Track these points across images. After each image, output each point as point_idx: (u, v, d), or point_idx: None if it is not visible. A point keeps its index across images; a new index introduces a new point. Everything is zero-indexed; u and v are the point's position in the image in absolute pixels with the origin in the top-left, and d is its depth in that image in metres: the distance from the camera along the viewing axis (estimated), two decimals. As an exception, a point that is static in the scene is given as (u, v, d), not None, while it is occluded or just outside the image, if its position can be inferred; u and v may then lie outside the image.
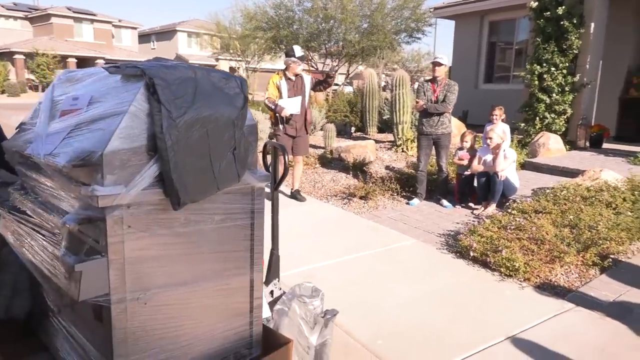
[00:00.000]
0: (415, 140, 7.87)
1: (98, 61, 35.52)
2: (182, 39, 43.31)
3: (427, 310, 3.08)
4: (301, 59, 5.57)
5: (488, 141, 5.05)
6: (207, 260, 1.85)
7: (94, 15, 38.52)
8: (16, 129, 2.13)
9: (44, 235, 1.69)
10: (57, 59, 31.10)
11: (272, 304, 2.57)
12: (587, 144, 7.96)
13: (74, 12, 37.23)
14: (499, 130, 5.10)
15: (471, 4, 11.53)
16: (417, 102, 5.40)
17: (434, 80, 5.43)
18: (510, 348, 2.63)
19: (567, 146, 7.69)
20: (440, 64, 5.32)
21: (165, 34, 44.03)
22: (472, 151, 5.52)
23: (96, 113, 1.65)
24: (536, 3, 8.01)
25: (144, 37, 44.89)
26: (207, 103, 1.68)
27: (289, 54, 5.54)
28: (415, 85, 6.30)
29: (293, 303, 2.53)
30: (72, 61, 33.96)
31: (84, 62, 34.97)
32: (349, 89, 17.40)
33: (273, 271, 2.73)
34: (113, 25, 39.91)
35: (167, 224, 1.68)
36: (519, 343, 2.67)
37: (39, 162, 1.69)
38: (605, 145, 8.04)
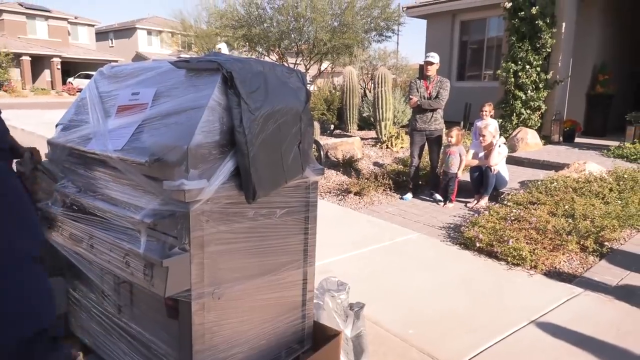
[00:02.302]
0: (399, 137, 8.06)
1: (54, 59, 34.09)
2: (142, 36, 42.15)
3: (447, 299, 3.17)
4: None
5: (481, 138, 5.22)
6: (270, 254, 1.86)
7: (49, 11, 36.87)
8: (57, 126, 2.07)
9: (112, 233, 1.66)
10: (10, 56, 29.56)
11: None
12: (561, 138, 8.35)
13: (26, 8, 35.49)
14: (492, 128, 5.30)
15: (442, 3, 11.82)
16: (410, 99, 5.53)
17: (426, 78, 5.58)
18: (536, 331, 2.76)
19: (543, 140, 8.05)
20: (432, 63, 5.48)
21: (124, 31, 42.72)
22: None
23: (168, 107, 1.63)
24: (510, 3, 8.31)
25: (101, 35, 43.39)
26: (277, 97, 1.69)
27: None
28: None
29: (325, 297, 2.56)
30: (26, 59, 32.41)
31: (38, 60, 33.47)
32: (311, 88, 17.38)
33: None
34: (69, 22, 38.34)
35: (239, 218, 1.68)
36: (542, 326, 2.80)
37: (106, 158, 1.65)
38: (577, 140, 8.46)
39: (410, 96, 5.56)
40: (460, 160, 5.44)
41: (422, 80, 5.61)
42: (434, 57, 5.51)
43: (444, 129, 5.81)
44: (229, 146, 1.58)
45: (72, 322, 2.19)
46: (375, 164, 7.24)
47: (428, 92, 5.50)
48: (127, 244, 1.57)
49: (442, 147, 5.80)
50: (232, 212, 1.65)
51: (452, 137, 5.58)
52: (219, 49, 5.30)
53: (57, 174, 1.98)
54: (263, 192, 1.66)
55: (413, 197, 5.78)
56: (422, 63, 5.64)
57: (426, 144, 5.68)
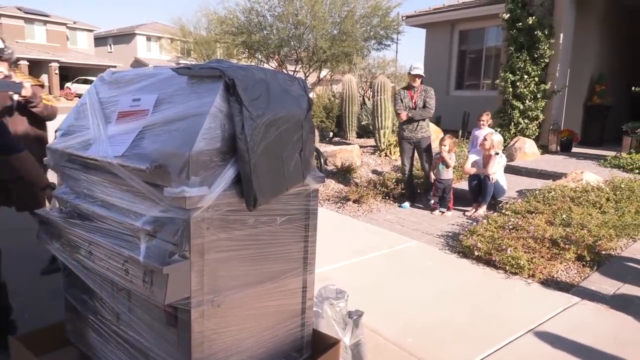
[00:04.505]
0: (398, 145, 8.07)
1: (52, 64, 34.09)
2: (141, 42, 42.24)
3: (446, 307, 3.17)
4: None
5: (486, 143, 5.24)
6: (270, 262, 1.85)
7: (47, 16, 36.90)
8: (55, 131, 2.06)
9: (111, 240, 1.65)
10: (8, 61, 29.56)
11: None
12: (558, 148, 8.39)
13: (25, 12, 35.49)
14: (497, 137, 5.32)
15: (441, 13, 11.91)
16: (399, 114, 5.51)
17: (410, 88, 5.61)
18: (534, 340, 2.75)
19: (540, 150, 8.08)
20: (421, 76, 5.52)
21: (123, 37, 42.81)
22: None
23: (169, 114, 1.63)
24: (508, 14, 8.38)
25: (100, 40, 43.44)
26: (279, 104, 1.69)
27: None
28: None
29: (324, 305, 2.55)
30: (24, 64, 32.34)
31: (37, 64, 33.45)
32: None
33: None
34: (67, 27, 38.37)
35: (239, 225, 1.68)
36: (540, 336, 2.80)
37: (107, 164, 1.64)
38: (574, 149, 8.50)
39: (398, 110, 5.57)
40: (447, 165, 5.41)
41: (406, 91, 5.64)
42: (422, 70, 5.56)
43: (432, 136, 5.83)
44: (230, 153, 1.58)
45: (69, 330, 2.18)
46: (374, 171, 7.25)
47: (413, 101, 5.54)
48: (126, 251, 1.56)
49: (433, 155, 5.76)
50: (232, 220, 1.65)
51: (445, 145, 5.52)
52: None
53: None
54: (264, 200, 1.66)
55: (411, 205, 5.77)
56: (412, 72, 5.55)
57: (416, 152, 5.68)
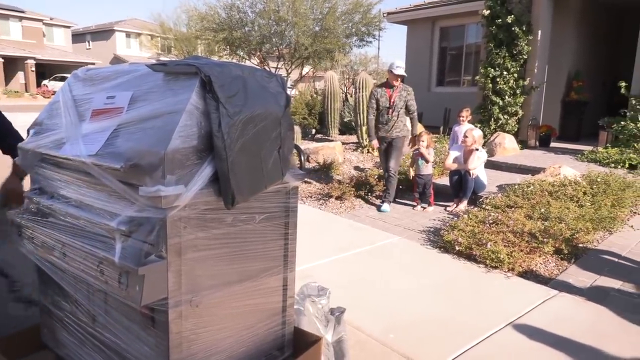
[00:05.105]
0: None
1: (28, 61, 33.33)
2: (120, 39, 41.54)
3: (428, 303, 3.19)
4: None
5: (467, 140, 5.28)
6: (250, 260, 1.84)
7: (23, 12, 36.01)
8: (28, 130, 2.01)
9: (86, 241, 1.61)
10: (-19, 58, 28.85)
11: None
12: (537, 143, 8.53)
13: (-1, 8, 34.67)
14: (477, 133, 5.37)
15: (422, 10, 11.98)
16: (372, 142, 5.42)
17: (389, 86, 5.37)
18: (514, 333, 2.79)
19: (520, 145, 8.20)
20: (404, 77, 5.33)
21: (102, 33, 42.05)
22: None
23: (144, 112, 1.59)
24: (488, 11, 8.47)
25: (78, 37, 42.61)
26: (257, 101, 1.67)
27: None
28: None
29: (306, 302, 2.55)
30: (-2, 61, 31.62)
31: (12, 61, 32.67)
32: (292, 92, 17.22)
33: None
34: (44, 24, 37.52)
35: (217, 224, 1.66)
36: (520, 328, 2.84)
37: (80, 163, 1.60)
38: (552, 144, 8.65)
39: (369, 110, 5.40)
40: (427, 160, 5.44)
41: (384, 89, 5.39)
42: (404, 68, 5.32)
43: (408, 136, 5.69)
44: (207, 151, 1.56)
45: (45, 333, 2.13)
46: (357, 168, 7.27)
47: (392, 101, 5.32)
48: (101, 252, 1.53)
49: (412, 152, 5.72)
50: (210, 218, 1.63)
51: (423, 140, 5.48)
52: None
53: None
54: (242, 198, 1.64)
55: (393, 201, 5.79)
56: (395, 72, 5.25)
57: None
